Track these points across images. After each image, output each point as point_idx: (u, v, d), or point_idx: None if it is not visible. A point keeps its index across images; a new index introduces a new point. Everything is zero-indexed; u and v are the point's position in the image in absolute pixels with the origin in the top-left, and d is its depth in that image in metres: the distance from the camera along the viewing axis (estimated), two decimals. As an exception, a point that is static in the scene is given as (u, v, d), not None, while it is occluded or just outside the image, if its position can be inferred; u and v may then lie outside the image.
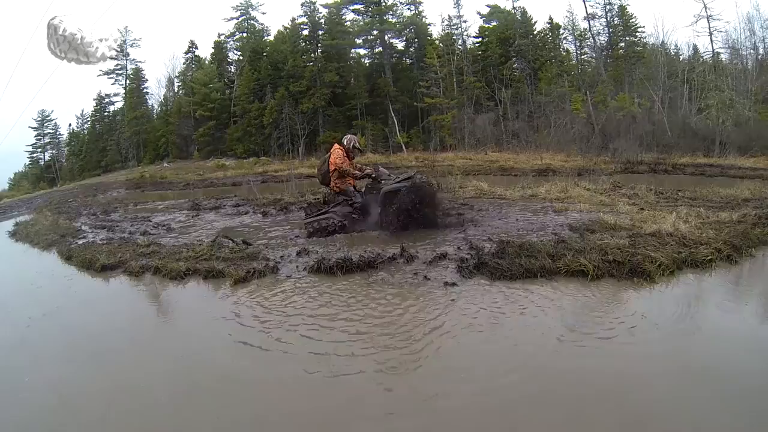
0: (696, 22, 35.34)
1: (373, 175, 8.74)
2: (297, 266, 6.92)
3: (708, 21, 34.22)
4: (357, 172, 8.94)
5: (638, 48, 37.61)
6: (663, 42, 36.78)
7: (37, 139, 56.03)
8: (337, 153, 8.85)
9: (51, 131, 56.39)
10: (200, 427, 3.56)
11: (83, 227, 12.44)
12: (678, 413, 3.27)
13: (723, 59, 34.78)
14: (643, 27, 38.98)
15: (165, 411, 3.81)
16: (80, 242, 10.20)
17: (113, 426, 3.69)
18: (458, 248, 6.89)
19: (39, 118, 55.04)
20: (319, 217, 8.90)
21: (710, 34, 34.43)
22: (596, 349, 4.16)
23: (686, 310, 4.87)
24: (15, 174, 59.60)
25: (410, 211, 8.25)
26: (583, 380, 3.74)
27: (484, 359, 4.13)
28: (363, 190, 9.17)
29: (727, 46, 34.29)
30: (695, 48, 38.55)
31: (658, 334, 4.33)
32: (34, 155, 56.92)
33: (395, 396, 3.71)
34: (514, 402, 3.50)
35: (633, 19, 38.11)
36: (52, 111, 57.34)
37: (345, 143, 9.03)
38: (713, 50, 34.88)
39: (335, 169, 8.80)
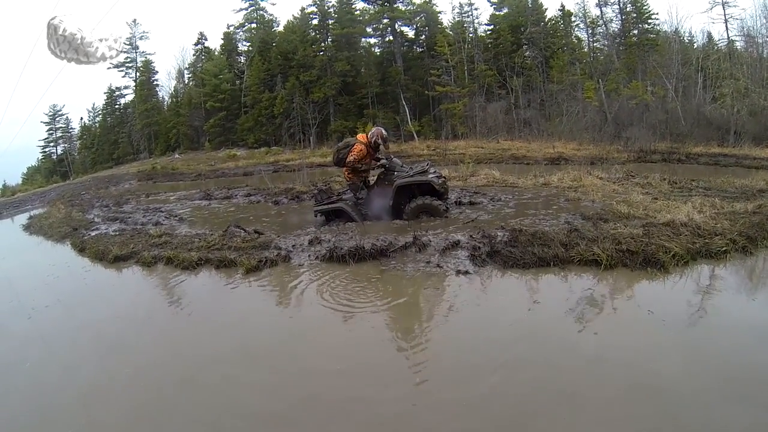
0: (711, 9, 34.91)
1: (387, 166, 8.70)
2: (309, 255, 6.95)
3: (723, 8, 33.77)
4: (374, 162, 8.88)
5: (651, 35, 37.06)
6: (677, 29, 36.11)
7: (49, 134, 56.60)
8: (359, 150, 8.69)
9: (63, 125, 56.94)
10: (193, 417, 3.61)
11: (96, 219, 12.56)
12: (686, 407, 3.24)
13: (738, 47, 34.21)
14: (657, 14, 38.78)
15: (159, 397, 3.91)
16: (93, 234, 10.31)
17: (110, 408, 3.80)
18: (471, 236, 6.84)
19: (50, 113, 55.55)
20: (329, 205, 8.93)
21: (725, 21, 33.98)
22: (602, 340, 4.16)
23: (700, 302, 4.81)
24: (28, 168, 60.36)
25: (422, 205, 8.38)
26: (584, 371, 3.75)
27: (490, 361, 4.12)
28: (374, 181, 9.14)
29: (742, 33, 33.65)
30: (710, 35, 37.91)
31: (668, 326, 4.31)
32: (47, 149, 57.54)
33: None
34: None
35: (646, 6, 37.60)
36: (64, 105, 58.04)
37: (369, 137, 8.86)
38: (728, 38, 34.42)
39: (349, 161, 8.76)
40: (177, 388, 3.99)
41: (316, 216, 9.24)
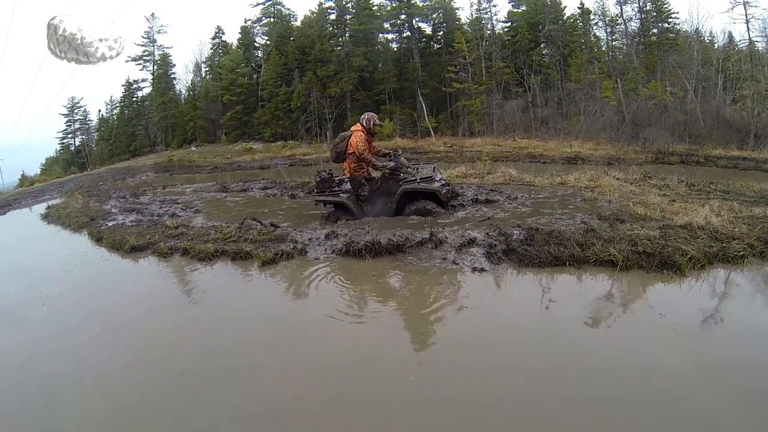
0: (732, 9, 34.29)
1: (394, 165, 8.71)
2: (325, 249, 7.01)
3: (744, 8, 33.12)
4: (378, 162, 8.80)
5: (671, 35, 36.67)
6: (697, 29, 35.67)
7: (67, 126, 57.13)
8: (358, 136, 8.70)
9: (81, 117, 57.40)
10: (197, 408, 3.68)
11: (113, 210, 12.71)
12: (691, 412, 3.23)
13: (759, 48, 33.67)
14: (677, 13, 38.15)
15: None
16: (110, 224, 10.46)
17: (112, 397, 3.92)
18: (487, 234, 6.85)
19: (69, 105, 56.12)
20: (329, 197, 9.05)
21: (747, 21, 33.32)
22: (610, 342, 4.19)
23: (713, 307, 4.76)
24: (46, 159, 61.05)
25: (422, 209, 8.50)
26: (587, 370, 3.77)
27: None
28: (377, 177, 9.11)
29: (763, 34, 33.07)
30: (731, 36, 37.40)
31: (678, 331, 4.27)
32: (65, 141, 58.12)
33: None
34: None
35: (666, 5, 37.20)
36: (82, 98, 58.48)
37: (364, 123, 8.90)
38: (749, 38, 33.77)
39: (353, 152, 8.71)
40: (178, 377, 4.09)
41: (316, 204, 9.33)
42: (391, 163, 8.73)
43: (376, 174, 9.18)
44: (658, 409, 3.22)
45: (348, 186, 9.03)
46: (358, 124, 8.96)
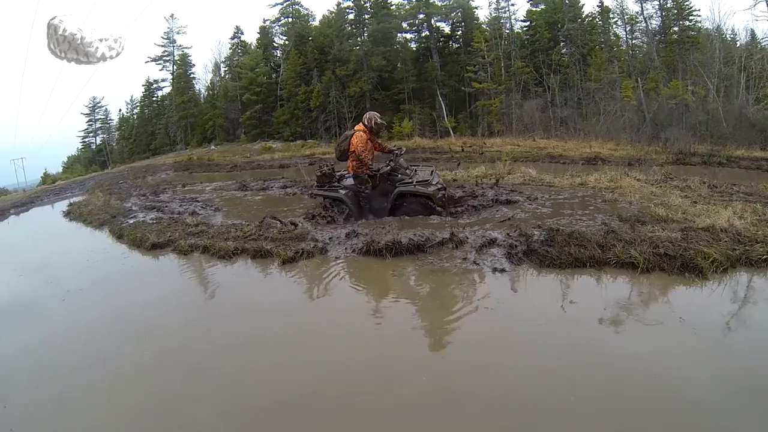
0: (754, 6, 33.66)
1: (393, 165, 8.78)
2: (346, 248, 7.07)
3: (767, 4, 32.68)
4: (373, 165, 8.84)
5: (693, 33, 36.10)
6: (719, 26, 35.11)
7: (88, 125, 57.89)
8: (359, 136, 8.80)
9: (102, 117, 58.11)
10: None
11: (133, 207, 12.90)
12: (704, 417, 3.22)
13: (783, 46, 33.16)
14: (699, 10, 37.32)
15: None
16: (131, 222, 10.64)
17: (128, 392, 4.00)
18: (507, 235, 6.87)
19: (90, 105, 56.91)
20: (328, 192, 9.10)
21: (769, 18, 32.87)
22: (628, 344, 4.18)
23: (735, 312, 4.70)
24: (68, 157, 61.96)
25: (415, 207, 8.63)
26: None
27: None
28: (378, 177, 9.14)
29: (788, 32, 32.59)
30: (753, 33, 36.80)
31: (698, 335, 4.24)
32: (86, 140, 58.89)
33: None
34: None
35: (687, 2, 36.66)
36: (103, 97, 59.21)
37: (365, 123, 8.98)
38: (773, 36, 33.32)
39: (353, 151, 8.81)
40: (194, 374, 4.16)
41: (314, 198, 9.39)
42: (387, 168, 8.80)
43: None
44: (674, 413, 3.23)
45: (348, 182, 9.15)
46: (360, 123, 9.07)
